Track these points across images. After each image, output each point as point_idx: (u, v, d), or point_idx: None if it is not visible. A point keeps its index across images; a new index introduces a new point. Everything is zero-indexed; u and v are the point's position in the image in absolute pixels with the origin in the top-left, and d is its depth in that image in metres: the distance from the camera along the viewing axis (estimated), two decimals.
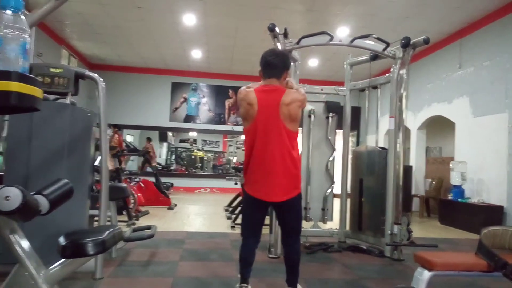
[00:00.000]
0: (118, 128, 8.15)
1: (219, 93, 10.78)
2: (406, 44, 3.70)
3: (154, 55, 9.29)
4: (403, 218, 3.48)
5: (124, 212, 4.96)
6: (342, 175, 4.34)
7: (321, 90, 4.34)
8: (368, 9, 6.09)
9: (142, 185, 6.85)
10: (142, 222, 5.23)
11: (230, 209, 6.41)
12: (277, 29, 3.52)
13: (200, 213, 6.68)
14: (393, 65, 3.86)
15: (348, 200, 4.33)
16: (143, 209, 6.10)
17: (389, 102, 3.85)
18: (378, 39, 3.66)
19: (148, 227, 3.56)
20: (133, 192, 5.30)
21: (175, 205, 7.08)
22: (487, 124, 5.94)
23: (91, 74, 2.67)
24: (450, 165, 6.29)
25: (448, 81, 7.00)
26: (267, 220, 2.72)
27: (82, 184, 2.54)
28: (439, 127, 8.05)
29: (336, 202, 4.28)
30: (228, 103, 10.85)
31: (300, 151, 3.11)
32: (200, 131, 11.36)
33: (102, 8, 6.54)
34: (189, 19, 6.82)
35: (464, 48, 6.59)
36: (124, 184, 3.52)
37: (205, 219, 6.03)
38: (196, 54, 8.95)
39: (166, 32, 7.55)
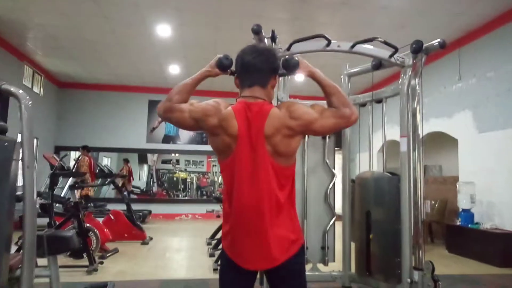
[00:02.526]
0: (87, 149, 7.33)
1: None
2: (417, 49, 3.08)
3: (128, 71, 8.56)
4: (426, 263, 2.80)
5: (85, 255, 4.15)
6: (344, 205, 3.66)
7: None
8: (361, 17, 5.54)
9: (112, 217, 6.02)
10: (108, 265, 4.42)
11: (213, 243, 5.63)
12: (263, 32, 2.88)
13: (179, 248, 5.87)
14: (402, 75, 3.24)
15: (352, 245, 3.64)
16: (112, 246, 5.27)
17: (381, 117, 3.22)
18: (385, 43, 3.03)
19: (104, 285, 2.77)
20: (95, 229, 4.48)
21: (151, 238, 6.26)
22: (495, 140, 5.38)
23: (10, 88, 1.92)
24: (457, 186, 5.69)
25: (447, 94, 6.47)
26: None
27: None
28: (438, 144, 7.50)
29: (338, 239, 3.59)
30: None
31: None
32: (180, 152, 10.58)
33: (66, 19, 5.82)
34: (164, 30, 6.16)
35: (463, 58, 6.09)
36: (69, 233, 2.74)
37: (184, 257, 5.23)
38: (174, 69, 8.26)
39: (139, 45, 6.85)
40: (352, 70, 3.80)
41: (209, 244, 5.87)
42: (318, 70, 1.54)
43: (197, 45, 6.74)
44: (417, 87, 3.10)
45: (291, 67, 1.56)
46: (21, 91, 1.91)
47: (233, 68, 1.56)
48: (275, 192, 1.40)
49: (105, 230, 5.08)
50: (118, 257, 5.01)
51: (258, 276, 1.55)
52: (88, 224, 4.42)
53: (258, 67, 1.46)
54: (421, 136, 3.05)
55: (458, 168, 6.19)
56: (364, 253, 3.46)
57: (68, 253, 4.37)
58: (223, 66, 1.54)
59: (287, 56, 1.61)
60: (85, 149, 7.26)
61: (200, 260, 4.96)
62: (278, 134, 1.38)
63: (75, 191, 4.29)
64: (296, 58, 1.56)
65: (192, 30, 6.10)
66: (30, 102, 1.94)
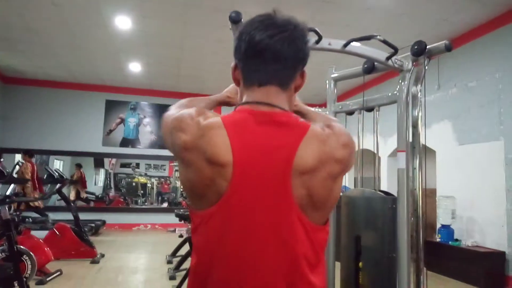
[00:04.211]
0: (30, 155, 6.47)
1: (164, 113, 9.33)
2: (420, 51, 2.68)
3: (82, 67, 7.73)
4: None
5: (16, 284, 3.42)
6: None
7: None
8: (342, 18, 5.15)
9: (57, 232, 5.24)
10: None
11: (174, 261, 5.02)
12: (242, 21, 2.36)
13: (134, 268, 5.17)
14: (400, 80, 2.82)
15: (338, 265, 3.16)
16: (55, 267, 4.52)
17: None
18: (385, 42, 2.59)
19: None
20: (30, 252, 3.75)
21: (102, 255, 5.53)
22: (477, 153, 5.13)
23: None
24: (436, 200, 5.40)
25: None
26: None
27: None
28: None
29: None
30: None
31: None
32: (139, 157, 9.80)
33: (6, 4, 5.02)
34: (123, 22, 5.48)
35: (443, 66, 5.84)
36: None
37: (140, 281, 4.57)
38: (135, 67, 7.55)
39: (95, 38, 6.12)
40: (339, 74, 3.34)
41: (169, 262, 5.25)
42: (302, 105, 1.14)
43: (162, 40, 6.10)
44: (418, 94, 2.69)
45: None
46: None
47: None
48: (306, 277, 0.81)
49: (45, 249, 4.33)
50: (61, 280, 4.31)
51: None
52: (21, 246, 3.69)
53: (278, 52, 0.85)
54: (421, 145, 2.64)
55: (436, 181, 5.93)
56: (352, 284, 2.99)
57: None
58: None
59: None
60: (28, 154, 6.40)
61: (158, 285, 4.33)
62: (320, 171, 0.80)
63: (5, 206, 3.54)
64: None
65: (156, 23, 5.47)
66: None
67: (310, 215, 0.81)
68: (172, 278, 4.45)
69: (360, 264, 2.95)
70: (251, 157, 0.79)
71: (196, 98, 1.10)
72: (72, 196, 8.99)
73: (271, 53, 0.85)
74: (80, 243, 5.34)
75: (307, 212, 0.81)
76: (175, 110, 0.96)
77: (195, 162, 0.81)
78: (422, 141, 2.69)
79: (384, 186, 7.07)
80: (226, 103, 1.16)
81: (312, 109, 1.17)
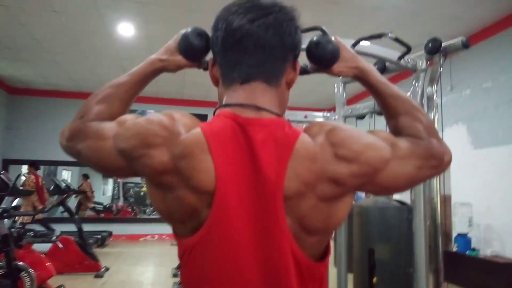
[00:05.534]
0: (35, 167, 6.38)
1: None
2: (434, 49, 2.51)
3: (87, 76, 7.65)
4: None
5: None
6: (339, 239, 2.99)
7: (305, 117, 3.10)
8: (349, 19, 4.98)
9: (60, 245, 5.11)
10: None
11: (180, 276, 4.85)
12: None
13: (139, 282, 5.01)
14: (414, 81, 2.63)
15: (350, 278, 2.96)
16: (58, 282, 4.38)
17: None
18: (397, 40, 2.41)
19: None
20: (29, 268, 3.60)
21: (107, 269, 5.37)
22: (493, 157, 4.90)
23: None
24: (451, 207, 5.16)
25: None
26: None
27: None
28: None
29: (333, 279, 2.91)
30: None
31: None
32: None
33: (6, 12, 4.95)
34: (126, 29, 5.38)
35: (456, 67, 5.62)
36: None
37: None
38: None
39: (98, 46, 6.03)
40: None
41: (175, 275, 5.08)
42: (372, 66, 0.84)
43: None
44: (434, 96, 2.51)
45: (327, 56, 0.81)
46: None
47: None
48: None
49: (47, 264, 4.18)
50: None
51: None
52: (20, 262, 3.55)
53: (262, 40, 0.69)
54: None
55: (450, 187, 5.68)
56: None
57: None
58: (192, 50, 0.80)
59: (315, 37, 0.84)
60: (33, 166, 6.31)
61: None
62: (311, 194, 0.64)
63: (3, 220, 3.42)
64: (333, 39, 0.83)
65: (159, 28, 5.35)
66: None
67: (303, 246, 0.66)
68: None
69: (374, 279, 2.75)
70: (235, 180, 0.64)
71: (117, 80, 0.82)
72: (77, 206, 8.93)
73: (253, 41, 0.70)
74: (84, 256, 5.20)
75: (300, 242, 0.65)
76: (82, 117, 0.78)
77: (175, 188, 0.65)
78: None
79: (394, 196, 6.84)
80: (160, 70, 0.84)
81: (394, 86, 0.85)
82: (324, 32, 2.21)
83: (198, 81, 7.78)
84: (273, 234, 0.63)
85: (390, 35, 2.40)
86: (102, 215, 9.78)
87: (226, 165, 0.64)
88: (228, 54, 0.72)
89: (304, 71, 0.87)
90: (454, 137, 5.59)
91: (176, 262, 5.42)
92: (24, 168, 8.18)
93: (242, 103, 0.70)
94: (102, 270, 5.22)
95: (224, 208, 0.63)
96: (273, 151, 0.65)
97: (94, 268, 5.18)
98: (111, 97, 0.79)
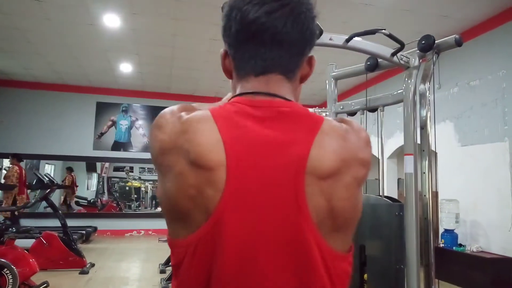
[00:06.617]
0: (18, 158, 6.22)
1: (157, 115, 9.05)
2: (428, 46, 2.50)
3: (71, 68, 7.47)
4: None
5: None
6: None
7: None
8: (338, 14, 4.95)
9: (44, 241, 4.99)
10: None
11: (167, 271, 4.79)
12: None
13: (125, 278, 4.93)
14: (406, 78, 2.62)
15: None
16: (42, 278, 4.28)
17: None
18: (391, 37, 2.39)
19: None
20: (11, 265, 3.50)
21: (92, 265, 5.28)
22: (480, 155, 4.95)
23: None
24: (438, 204, 5.22)
25: None
26: None
27: None
28: None
29: None
30: None
31: None
32: (132, 161, 9.53)
33: None
34: (111, 20, 5.25)
35: (444, 65, 5.66)
36: None
37: None
38: (126, 68, 7.31)
39: (83, 37, 5.88)
40: (340, 72, 3.14)
41: (162, 272, 5.01)
42: None
43: (152, 39, 5.87)
44: (427, 93, 2.50)
45: None
46: None
47: None
48: None
49: (30, 261, 4.07)
50: None
51: None
52: (1, 259, 3.44)
53: (280, 33, 0.64)
54: (432, 149, 2.44)
55: (437, 184, 5.75)
56: None
57: None
58: None
59: None
60: (16, 157, 6.15)
61: None
62: (344, 174, 0.60)
63: None
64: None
65: (146, 20, 5.24)
66: None
67: (329, 237, 0.60)
68: None
69: (365, 276, 2.74)
70: (250, 155, 0.58)
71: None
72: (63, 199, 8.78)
73: (269, 36, 0.64)
74: (68, 253, 5.09)
75: (325, 234, 0.59)
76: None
77: (174, 166, 0.60)
78: (431, 143, 2.48)
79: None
80: None
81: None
82: (318, 27, 2.16)
83: (185, 75, 7.68)
84: (293, 221, 0.57)
85: (383, 31, 2.39)
86: (85, 211, 9.61)
87: (236, 139, 0.59)
88: (243, 48, 0.67)
89: None
90: (441, 135, 5.63)
91: (163, 258, 5.36)
92: (6, 162, 7.97)
93: (256, 91, 0.66)
94: (87, 266, 5.11)
95: (240, 185, 0.57)
96: (294, 128, 0.61)
97: (79, 265, 5.08)
98: None
